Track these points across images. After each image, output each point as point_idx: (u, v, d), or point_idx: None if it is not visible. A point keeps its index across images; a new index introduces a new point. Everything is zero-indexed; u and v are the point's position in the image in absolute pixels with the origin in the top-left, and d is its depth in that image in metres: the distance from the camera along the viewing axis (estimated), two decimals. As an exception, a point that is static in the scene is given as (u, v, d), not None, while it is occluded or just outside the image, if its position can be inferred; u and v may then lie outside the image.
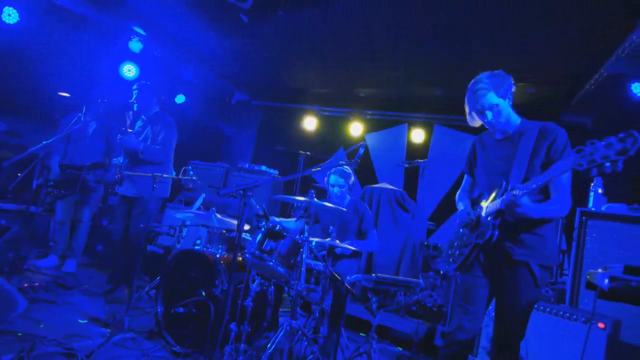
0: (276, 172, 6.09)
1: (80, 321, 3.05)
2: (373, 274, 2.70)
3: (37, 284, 3.54)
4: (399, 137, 6.73)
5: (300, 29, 4.76)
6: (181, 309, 2.69)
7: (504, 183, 1.97)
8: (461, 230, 2.20)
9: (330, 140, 6.98)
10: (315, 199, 2.84)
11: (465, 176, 2.44)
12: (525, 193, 1.81)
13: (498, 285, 2.06)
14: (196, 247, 3.17)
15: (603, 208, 3.15)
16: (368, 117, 6.83)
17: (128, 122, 3.50)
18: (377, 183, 5.72)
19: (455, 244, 2.20)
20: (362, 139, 6.77)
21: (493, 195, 2.04)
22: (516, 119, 2.13)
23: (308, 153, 5.53)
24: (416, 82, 5.80)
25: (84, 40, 5.14)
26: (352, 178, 3.49)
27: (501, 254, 2.02)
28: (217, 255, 3.00)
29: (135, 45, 5.37)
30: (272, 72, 6.46)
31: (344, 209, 3.02)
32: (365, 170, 6.66)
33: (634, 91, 3.82)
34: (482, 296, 2.08)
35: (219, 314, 2.47)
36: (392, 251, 4.50)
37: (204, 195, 4.65)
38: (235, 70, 6.57)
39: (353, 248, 2.89)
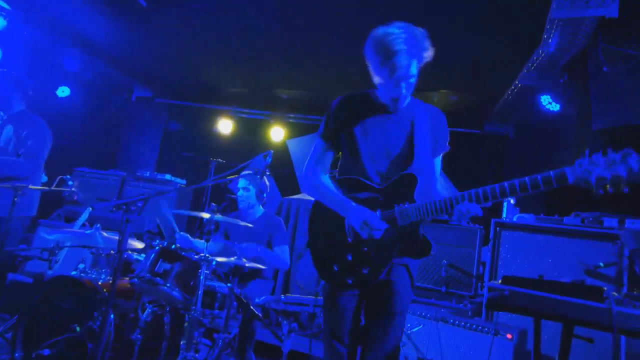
0: (183, 181, 5.88)
1: None
2: (282, 295, 2.71)
3: None
4: (324, 144, 6.88)
5: (208, 20, 4.68)
6: (47, 351, 2.45)
7: (428, 181, 1.80)
8: (349, 234, 1.86)
9: (248, 146, 6.89)
10: (219, 214, 2.80)
11: (324, 147, 1.99)
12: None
13: (373, 294, 1.86)
14: (73, 273, 2.93)
15: (514, 218, 3.52)
16: (290, 120, 6.91)
17: None
18: (299, 193, 5.78)
19: (343, 248, 1.87)
20: (284, 144, 6.82)
21: (397, 194, 1.78)
22: None
23: (220, 160, 5.41)
24: (340, 85, 6.00)
25: None
26: (260, 185, 3.54)
27: None
28: (99, 282, 2.80)
29: (-4, 21, 4.80)
30: (180, 66, 6.25)
31: (251, 225, 3.04)
32: (287, 179, 6.69)
33: (543, 103, 4.37)
34: (354, 317, 1.86)
35: (96, 353, 2.30)
36: (311, 269, 4.54)
37: (91, 209, 4.31)
38: (135, 62, 6.24)
39: (260, 266, 2.89)
